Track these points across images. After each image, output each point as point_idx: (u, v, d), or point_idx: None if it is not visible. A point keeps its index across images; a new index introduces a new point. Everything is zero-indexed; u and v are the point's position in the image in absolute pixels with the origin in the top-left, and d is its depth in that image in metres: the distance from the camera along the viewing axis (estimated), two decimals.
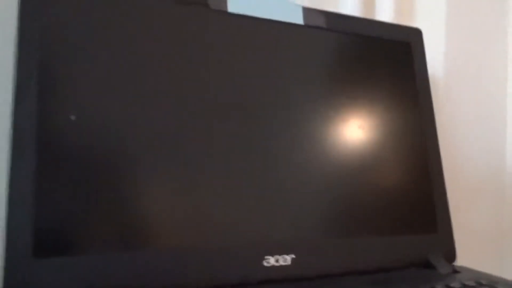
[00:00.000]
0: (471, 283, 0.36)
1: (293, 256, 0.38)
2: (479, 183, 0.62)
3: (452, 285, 0.36)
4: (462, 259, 0.47)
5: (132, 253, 0.33)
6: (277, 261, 0.37)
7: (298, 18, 0.44)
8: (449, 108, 0.59)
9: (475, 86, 0.62)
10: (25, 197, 0.31)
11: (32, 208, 0.31)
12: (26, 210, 0.31)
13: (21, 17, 0.33)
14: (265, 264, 0.37)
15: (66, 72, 0.34)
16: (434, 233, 0.45)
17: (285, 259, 0.38)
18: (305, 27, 0.44)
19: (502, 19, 0.65)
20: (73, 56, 0.34)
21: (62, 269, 0.31)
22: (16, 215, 0.30)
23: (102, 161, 0.34)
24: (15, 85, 0.32)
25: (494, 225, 0.62)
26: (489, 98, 0.63)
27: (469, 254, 0.50)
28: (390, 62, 0.47)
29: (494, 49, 0.64)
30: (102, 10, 0.36)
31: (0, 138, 0.39)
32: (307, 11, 0.44)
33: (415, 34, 0.49)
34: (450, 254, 0.45)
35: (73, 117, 0.34)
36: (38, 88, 0.33)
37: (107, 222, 0.33)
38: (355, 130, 0.44)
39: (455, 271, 0.42)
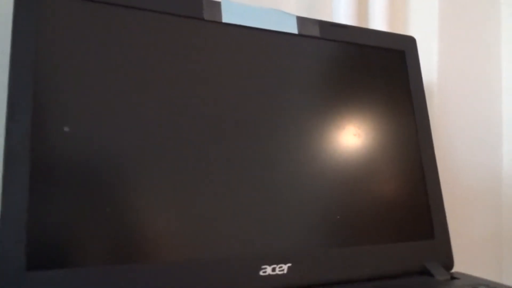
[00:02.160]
0: None
1: (290, 265, 0.38)
2: (476, 189, 0.62)
3: None
4: (460, 265, 0.47)
5: (126, 266, 0.33)
6: (273, 270, 0.37)
7: (292, 28, 0.44)
8: (443, 115, 0.60)
9: (469, 93, 0.63)
10: (17, 210, 0.31)
11: (24, 221, 0.31)
12: (18, 223, 0.30)
13: (15, 28, 0.33)
14: (261, 273, 0.37)
15: (60, 83, 0.34)
16: (431, 240, 0.44)
17: (282, 268, 0.38)
18: (299, 36, 0.44)
19: (495, 25, 0.65)
20: (67, 67, 0.34)
21: (55, 283, 0.31)
22: (8, 228, 0.30)
23: (96, 174, 0.34)
24: (8, 96, 0.32)
25: (492, 231, 0.62)
26: (484, 104, 0.64)
27: (466, 260, 0.50)
28: (385, 70, 0.47)
29: (487, 56, 0.64)
30: (97, 23, 0.36)
31: None
32: (301, 21, 0.45)
33: (409, 42, 0.50)
34: (447, 260, 0.44)
35: (66, 129, 0.33)
36: (31, 99, 0.33)
37: (101, 235, 0.33)
38: (351, 138, 0.44)
39: (453, 277, 0.42)
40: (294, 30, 0.44)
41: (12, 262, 0.30)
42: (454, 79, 0.62)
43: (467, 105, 0.62)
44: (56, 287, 0.30)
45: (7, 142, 0.32)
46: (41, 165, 0.32)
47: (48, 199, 0.32)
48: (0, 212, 0.30)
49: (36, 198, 0.31)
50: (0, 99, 0.40)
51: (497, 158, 0.64)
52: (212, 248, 0.36)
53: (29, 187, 0.31)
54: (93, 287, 0.31)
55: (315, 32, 0.45)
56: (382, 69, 0.47)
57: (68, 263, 0.31)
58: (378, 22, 0.59)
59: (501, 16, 0.65)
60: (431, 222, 0.45)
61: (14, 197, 0.31)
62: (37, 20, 0.34)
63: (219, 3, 0.41)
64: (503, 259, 0.62)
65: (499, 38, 0.65)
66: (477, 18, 0.64)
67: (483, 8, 0.65)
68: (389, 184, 0.44)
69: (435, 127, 0.56)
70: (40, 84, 0.33)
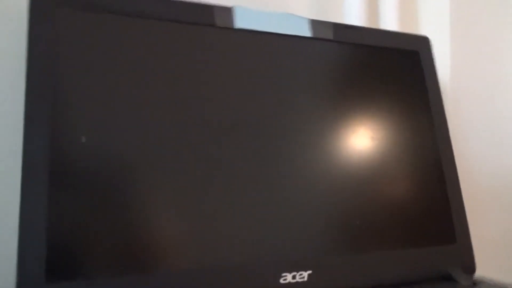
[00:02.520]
0: None
1: (310, 272, 0.37)
2: (492, 190, 0.61)
3: None
4: (480, 269, 0.46)
5: (145, 276, 0.32)
6: (294, 277, 0.37)
7: (305, 31, 0.44)
8: (457, 116, 0.59)
9: (482, 93, 0.62)
10: (37, 221, 0.30)
11: (44, 231, 0.30)
12: (38, 234, 0.30)
13: (30, 39, 0.33)
14: (282, 281, 0.36)
15: (77, 93, 0.34)
16: (453, 244, 0.44)
17: (302, 276, 0.37)
18: (313, 39, 0.44)
19: (506, 24, 0.64)
20: (83, 78, 0.34)
21: None
22: (28, 239, 0.30)
23: (112, 184, 0.33)
24: (26, 107, 0.32)
25: (508, 233, 0.61)
26: (497, 104, 0.63)
27: (485, 264, 0.49)
28: (400, 71, 0.47)
29: (499, 55, 0.64)
30: (111, 34, 0.36)
31: (13, 162, 0.39)
32: (313, 24, 0.44)
33: (423, 42, 0.49)
34: (470, 265, 0.44)
35: (83, 139, 0.33)
36: (49, 109, 0.32)
37: (118, 246, 0.32)
38: (368, 142, 0.43)
39: (475, 283, 0.41)
40: (308, 33, 0.44)
41: (31, 273, 0.30)
42: (467, 79, 0.61)
43: (480, 105, 0.62)
44: None
45: (25, 153, 0.31)
46: (60, 175, 0.32)
47: (67, 210, 0.31)
48: (20, 223, 0.30)
49: (55, 208, 0.31)
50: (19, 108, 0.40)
51: (510, 160, 0.63)
52: (231, 256, 0.35)
53: (48, 197, 0.31)
54: None
55: (329, 34, 0.45)
56: (397, 70, 0.46)
57: (87, 274, 0.31)
58: (389, 22, 0.58)
59: None
60: (452, 226, 0.44)
61: (33, 208, 0.31)
62: (52, 32, 0.34)
63: (230, 9, 0.41)
64: None
65: (510, 34, 0.65)
66: (488, 17, 0.63)
67: (494, 7, 0.64)
68: (409, 188, 0.43)
69: (450, 128, 0.55)
70: (57, 94, 0.33)
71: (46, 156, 0.32)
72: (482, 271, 0.45)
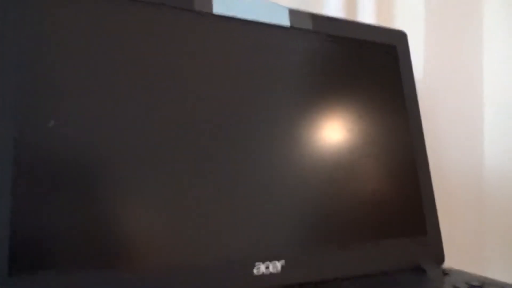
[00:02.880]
0: (464, 286, 0.36)
1: (283, 262, 0.37)
2: (459, 186, 0.62)
3: None
4: (449, 262, 0.47)
5: (113, 271, 0.31)
6: (267, 267, 0.36)
7: (284, 20, 0.43)
8: (428, 112, 0.60)
9: (453, 91, 0.63)
10: (0, 213, 0.29)
11: (6, 225, 0.29)
12: (1, 227, 0.29)
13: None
14: (255, 271, 0.36)
15: (45, 74, 0.32)
16: (423, 236, 0.45)
17: (275, 265, 0.37)
18: (291, 29, 0.43)
19: (481, 17, 0.65)
20: (52, 58, 0.32)
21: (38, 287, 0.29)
22: None
23: (81, 173, 0.32)
24: None
25: (474, 226, 0.63)
26: (466, 102, 0.64)
27: (455, 257, 0.50)
28: (377, 65, 0.47)
29: (474, 49, 0.65)
30: (85, 15, 0.34)
31: None
32: (293, 13, 0.44)
33: (400, 37, 0.49)
34: (439, 256, 0.45)
35: (51, 123, 0.32)
36: (15, 92, 0.31)
37: (86, 238, 0.31)
38: (342, 134, 0.43)
39: (445, 273, 0.42)
40: (287, 23, 0.43)
41: None
42: (439, 76, 0.62)
43: (451, 102, 0.63)
44: None
45: None
46: (25, 164, 0.30)
47: (32, 200, 0.30)
48: None
49: (19, 199, 0.30)
50: None
51: (479, 156, 0.64)
52: (204, 250, 0.35)
53: (12, 187, 0.29)
54: None
55: (308, 25, 0.44)
56: (374, 64, 0.47)
57: (52, 268, 0.30)
58: (367, 15, 0.58)
59: (483, 13, 0.66)
60: (423, 218, 0.45)
61: None
62: (20, 11, 0.32)
63: None
64: (485, 254, 0.63)
65: (481, 35, 0.66)
66: (462, 11, 0.64)
67: (467, 3, 0.65)
68: (382, 180, 0.44)
69: (423, 123, 0.56)
70: (24, 76, 0.31)
71: (11, 142, 0.30)
72: (451, 263, 0.46)
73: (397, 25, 0.61)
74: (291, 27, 0.43)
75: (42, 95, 0.32)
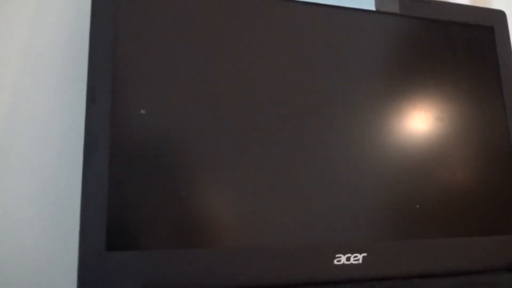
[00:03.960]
0: None
1: (365, 254, 0.36)
2: None
3: None
4: None
5: (198, 251, 0.33)
6: (348, 259, 0.36)
7: (369, 4, 0.42)
8: None
9: None
10: (98, 193, 0.31)
11: (105, 204, 0.31)
12: (99, 206, 0.31)
13: (93, 15, 0.34)
14: (336, 262, 0.36)
15: (137, 67, 0.34)
16: None
17: (357, 258, 0.36)
18: (377, 13, 0.42)
19: None
20: (143, 52, 0.34)
21: (132, 263, 0.31)
22: (90, 211, 0.31)
23: (169, 158, 0.34)
24: (88, 81, 0.33)
25: None
26: None
27: None
28: (471, 48, 0.44)
29: None
30: (168, 7, 0.35)
31: (75, 137, 0.40)
32: None
33: (499, 17, 0.46)
34: None
35: (143, 111, 0.34)
36: (111, 84, 0.33)
37: (174, 219, 0.33)
38: (433, 122, 0.41)
39: None
40: (372, 7, 0.42)
41: (93, 243, 0.31)
42: None
43: None
44: (132, 267, 0.31)
45: (87, 125, 0.32)
46: (120, 148, 0.33)
47: (127, 183, 0.32)
48: (82, 195, 0.31)
49: (115, 181, 0.32)
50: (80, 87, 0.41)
51: None
52: (286, 236, 0.35)
53: (109, 170, 0.32)
54: (164, 269, 0.32)
55: (394, 8, 0.42)
56: (468, 47, 0.43)
57: (145, 245, 0.32)
58: None
59: None
60: None
61: (95, 181, 0.31)
62: (112, 7, 0.34)
63: None
64: None
65: None
66: None
67: None
68: (475, 173, 0.41)
69: None
70: (118, 69, 0.33)
71: (108, 128, 0.32)
72: None
73: (495, 5, 0.56)
74: (377, 11, 0.42)
75: (135, 83, 0.34)
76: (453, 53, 0.43)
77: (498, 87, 0.44)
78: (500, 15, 0.46)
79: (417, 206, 0.39)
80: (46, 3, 0.41)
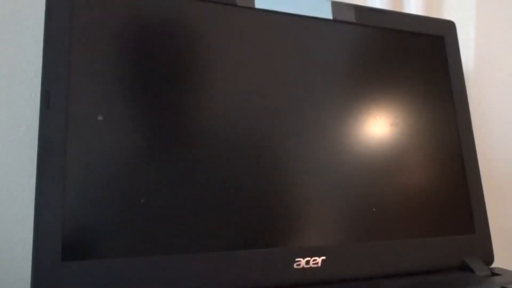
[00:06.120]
0: None
1: (324, 258, 0.37)
2: (511, 180, 0.60)
3: None
4: (498, 261, 0.45)
5: (156, 258, 0.32)
6: (307, 263, 0.36)
7: (327, 13, 0.42)
8: (480, 104, 0.57)
9: (506, 81, 0.60)
10: (53, 202, 0.31)
11: (60, 213, 0.31)
12: (54, 216, 0.30)
13: (48, 18, 0.33)
14: (295, 266, 0.36)
15: (94, 72, 0.33)
16: (471, 234, 0.43)
17: (316, 261, 0.37)
18: (334, 21, 0.43)
19: None
20: (100, 56, 0.34)
21: (88, 272, 0.31)
22: (44, 221, 0.30)
23: (127, 165, 0.33)
24: (42, 85, 0.32)
25: None
26: None
27: (506, 256, 0.48)
28: (423, 57, 0.45)
29: None
30: (123, 11, 0.35)
31: (28, 144, 0.39)
32: (336, 5, 0.43)
33: (449, 27, 0.48)
34: (488, 256, 0.43)
35: (100, 117, 0.33)
36: (66, 89, 0.32)
37: (132, 227, 0.32)
38: (387, 128, 0.42)
39: (494, 273, 0.40)
40: (329, 16, 0.43)
41: (48, 253, 0.30)
42: (491, 67, 0.59)
43: (504, 93, 0.60)
44: (88, 277, 0.31)
45: (41, 131, 0.31)
46: (76, 155, 0.32)
47: (83, 190, 0.31)
48: (36, 204, 0.30)
49: (70, 190, 0.31)
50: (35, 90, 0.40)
51: None
52: (245, 241, 0.35)
53: (64, 178, 0.31)
54: (121, 278, 0.31)
55: (351, 17, 0.43)
56: (420, 55, 0.45)
57: (101, 254, 0.31)
58: (413, 6, 0.56)
59: None
60: (471, 216, 0.43)
61: (49, 190, 0.31)
62: (70, 9, 0.33)
63: None
64: None
65: None
66: None
67: None
68: (428, 176, 0.43)
69: (472, 116, 0.54)
70: (74, 73, 0.33)
71: (63, 134, 0.32)
72: (500, 263, 0.44)
73: (446, 15, 0.59)
74: (334, 19, 0.43)
75: (91, 88, 0.33)
76: (406, 61, 0.44)
77: (449, 94, 0.46)
78: (450, 25, 0.48)
79: (373, 209, 0.40)
80: None
